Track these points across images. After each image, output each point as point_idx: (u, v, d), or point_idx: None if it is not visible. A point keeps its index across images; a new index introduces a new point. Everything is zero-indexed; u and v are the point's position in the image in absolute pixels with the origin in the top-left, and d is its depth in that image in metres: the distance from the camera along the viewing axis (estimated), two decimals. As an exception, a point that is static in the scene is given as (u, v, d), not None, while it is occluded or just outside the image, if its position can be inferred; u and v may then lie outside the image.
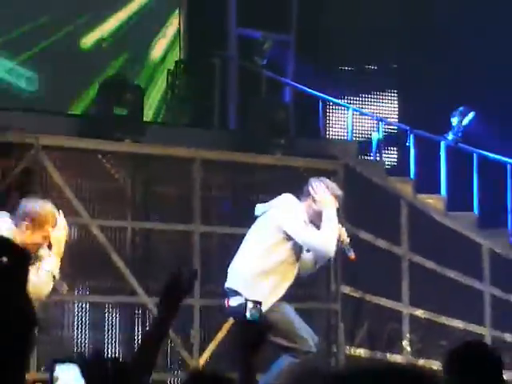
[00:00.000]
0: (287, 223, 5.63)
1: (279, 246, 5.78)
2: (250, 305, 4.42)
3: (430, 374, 1.39)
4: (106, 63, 9.44)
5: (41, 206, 5.29)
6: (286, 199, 5.78)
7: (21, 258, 1.59)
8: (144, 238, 8.12)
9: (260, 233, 5.78)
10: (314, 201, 5.80)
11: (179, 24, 9.46)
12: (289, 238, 5.66)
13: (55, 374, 3.79)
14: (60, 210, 5.33)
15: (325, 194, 5.83)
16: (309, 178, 6.33)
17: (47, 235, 5.18)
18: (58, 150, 7.73)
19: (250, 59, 8.82)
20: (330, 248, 5.76)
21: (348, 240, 5.97)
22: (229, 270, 5.94)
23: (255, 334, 3.94)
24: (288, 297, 6.32)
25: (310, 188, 5.85)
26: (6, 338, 1.53)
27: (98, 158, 7.69)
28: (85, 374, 2.74)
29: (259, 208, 5.88)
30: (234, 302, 5.71)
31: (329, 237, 5.69)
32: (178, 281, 2.87)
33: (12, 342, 1.54)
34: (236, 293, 5.88)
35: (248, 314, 4.55)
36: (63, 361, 3.83)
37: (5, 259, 1.57)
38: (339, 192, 5.96)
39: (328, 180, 6.19)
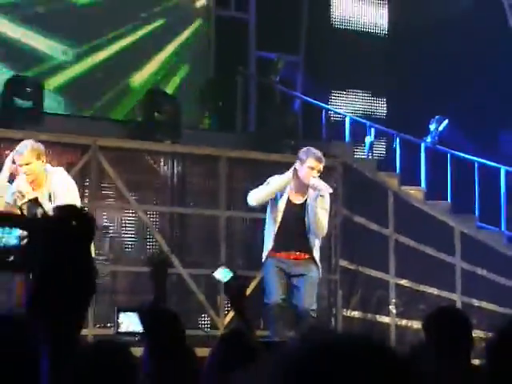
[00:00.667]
0: None
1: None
2: (217, 273, 4.79)
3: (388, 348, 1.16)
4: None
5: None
6: None
7: (87, 222, 1.67)
8: (180, 220, 8.91)
9: None
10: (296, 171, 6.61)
11: (209, 48, 10.22)
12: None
13: (120, 319, 4.30)
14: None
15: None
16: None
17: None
18: (111, 150, 8.58)
19: (267, 76, 9.76)
20: (255, 196, 6.76)
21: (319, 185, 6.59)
22: None
23: (234, 290, 4.40)
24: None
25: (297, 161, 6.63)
26: (74, 289, 1.62)
27: (143, 155, 8.58)
28: (142, 320, 3.10)
29: None
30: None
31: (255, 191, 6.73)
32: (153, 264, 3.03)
33: (79, 293, 1.66)
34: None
35: (218, 278, 4.91)
36: (125, 309, 4.35)
37: (74, 223, 1.66)
38: (320, 154, 6.63)
39: (312, 148, 6.84)
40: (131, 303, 8.04)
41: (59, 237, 1.44)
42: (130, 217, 8.50)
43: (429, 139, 10.04)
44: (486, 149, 10.24)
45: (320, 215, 6.60)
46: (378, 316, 9.28)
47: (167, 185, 8.64)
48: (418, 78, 10.96)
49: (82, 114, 9.66)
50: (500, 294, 9.78)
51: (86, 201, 8.13)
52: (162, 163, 8.53)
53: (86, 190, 8.36)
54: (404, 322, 9.29)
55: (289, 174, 6.72)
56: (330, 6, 11.54)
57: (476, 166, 9.71)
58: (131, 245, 8.73)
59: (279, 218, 6.72)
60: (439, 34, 11.05)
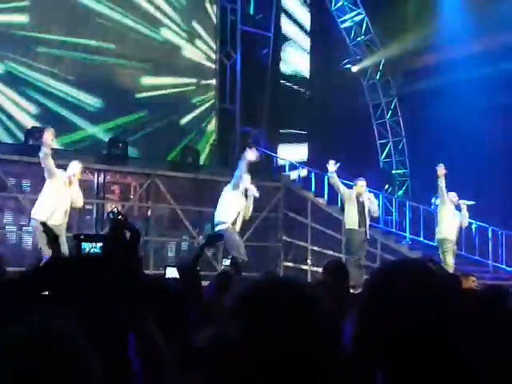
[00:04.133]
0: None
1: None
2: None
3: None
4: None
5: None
6: None
7: (136, 233, 1.88)
8: (198, 215, 13.61)
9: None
10: None
11: (215, 126, 15.34)
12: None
13: (166, 271, 6.04)
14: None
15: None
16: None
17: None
18: (164, 177, 13.15)
19: (246, 142, 14.73)
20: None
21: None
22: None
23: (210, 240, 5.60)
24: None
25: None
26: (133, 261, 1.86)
27: (183, 181, 13.27)
28: (180, 273, 4.05)
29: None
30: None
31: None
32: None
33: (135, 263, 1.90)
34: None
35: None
36: (170, 265, 6.18)
37: (128, 234, 1.91)
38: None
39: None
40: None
41: (115, 243, 1.82)
42: (173, 214, 13.16)
43: (328, 174, 14.78)
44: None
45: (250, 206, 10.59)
46: (301, 265, 14.07)
47: (190, 195, 13.26)
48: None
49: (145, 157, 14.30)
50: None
51: (149, 203, 13.02)
52: (188, 183, 13.26)
53: (149, 198, 12.98)
54: (315, 268, 13.45)
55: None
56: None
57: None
58: (170, 226, 13.38)
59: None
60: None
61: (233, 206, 10.26)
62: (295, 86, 17.32)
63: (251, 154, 10.07)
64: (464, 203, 11.43)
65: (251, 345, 1.26)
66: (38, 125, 12.58)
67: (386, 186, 18.02)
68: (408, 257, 10.70)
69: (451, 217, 11.41)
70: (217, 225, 10.18)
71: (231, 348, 1.26)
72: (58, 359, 1.31)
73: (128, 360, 1.79)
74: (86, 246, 2.08)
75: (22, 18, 13.60)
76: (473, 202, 11.65)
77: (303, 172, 15.28)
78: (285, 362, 1.26)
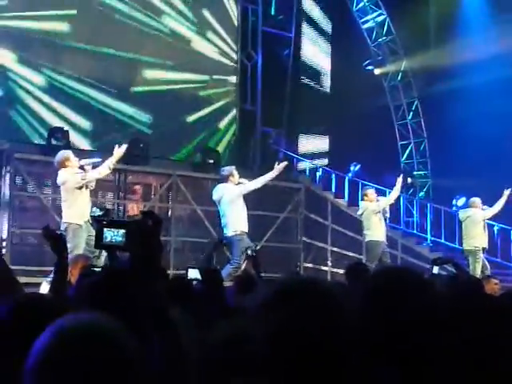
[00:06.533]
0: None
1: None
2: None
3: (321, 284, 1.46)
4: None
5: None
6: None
7: (158, 221, 1.90)
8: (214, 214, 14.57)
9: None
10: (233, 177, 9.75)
11: (237, 126, 15.27)
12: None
13: (189, 273, 5.29)
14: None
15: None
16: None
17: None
18: (185, 177, 12.97)
19: (268, 143, 15.03)
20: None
21: None
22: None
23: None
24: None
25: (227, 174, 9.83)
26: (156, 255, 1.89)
27: (205, 181, 13.07)
28: (202, 274, 4.18)
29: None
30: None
31: None
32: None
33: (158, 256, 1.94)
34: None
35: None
36: (192, 267, 5.30)
37: (150, 221, 1.94)
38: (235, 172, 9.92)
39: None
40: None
41: (142, 231, 1.82)
42: (192, 213, 13.26)
43: (350, 175, 14.84)
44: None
45: None
46: (321, 267, 13.98)
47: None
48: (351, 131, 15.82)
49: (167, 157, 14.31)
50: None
51: (170, 203, 13.06)
52: (209, 184, 12.69)
53: (170, 199, 13.01)
54: (335, 269, 13.49)
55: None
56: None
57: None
58: (190, 227, 13.37)
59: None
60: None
61: (244, 212, 10.27)
62: (316, 85, 17.38)
63: (278, 171, 10.26)
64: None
65: (285, 338, 1.32)
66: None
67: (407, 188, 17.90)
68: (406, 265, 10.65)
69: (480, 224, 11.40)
70: (235, 232, 10.02)
71: (266, 341, 1.31)
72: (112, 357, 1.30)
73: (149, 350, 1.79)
74: (108, 235, 2.06)
75: (62, 27, 13.96)
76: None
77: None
78: (315, 354, 1.33)
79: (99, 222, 2.11)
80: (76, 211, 8.62)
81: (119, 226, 2.08)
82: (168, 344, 1.81)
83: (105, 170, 8.86)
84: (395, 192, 11.54)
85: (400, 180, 11.52)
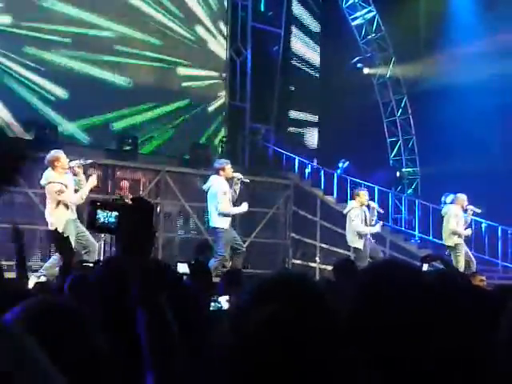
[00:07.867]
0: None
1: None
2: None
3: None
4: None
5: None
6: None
7: (149, 208, 1.92)
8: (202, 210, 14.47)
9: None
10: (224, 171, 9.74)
11: (225, 123, 15.26)
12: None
13: (178, 267, 5.14)
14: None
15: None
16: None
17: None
18: (173, 173, 12.95)
19: (256, 139, 15.05)
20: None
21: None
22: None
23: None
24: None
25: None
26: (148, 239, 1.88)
27: (194, 177, 12.99)
28: (191, 268, 4.47)
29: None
30: None
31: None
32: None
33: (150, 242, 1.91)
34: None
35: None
36: (181, 261, 5.43)
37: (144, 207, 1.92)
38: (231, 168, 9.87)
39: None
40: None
41: (135, 215, 1.83)
42: (181, 210, 13.14)
43: (338, 171, 14.74)
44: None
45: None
46: (310, 263, 13.91)
47: (200, 192, 12.16)
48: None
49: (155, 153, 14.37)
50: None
51: (158, 199, 12.76)
52: (198, 180, 12.80)
53: (159, 195, 12.83)
54: (323, 266, 13.45)
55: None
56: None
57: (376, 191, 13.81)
58: (179, 222, 13.43)
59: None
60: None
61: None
62: (306, 77, 17.34)
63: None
64: (472, 209, 11.40)
65: (278, 327, 1.29)
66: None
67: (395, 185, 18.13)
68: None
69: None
70: (216, 229, 10.11)
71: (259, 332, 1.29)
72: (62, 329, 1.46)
73: (136, 335, 1.81)
74: (101, 216, 2.05)
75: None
76: (479, 211, 11.58)
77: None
78: (310, 343, 1.30)
79: (93, 203, 2.10)
80: (58, 219, 8.73)
81: (113, 208, 2.05)
82: (155, 319, 1.81)
83: (77, 199, 8.97)
84: (375, 229, 11.36)
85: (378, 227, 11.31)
